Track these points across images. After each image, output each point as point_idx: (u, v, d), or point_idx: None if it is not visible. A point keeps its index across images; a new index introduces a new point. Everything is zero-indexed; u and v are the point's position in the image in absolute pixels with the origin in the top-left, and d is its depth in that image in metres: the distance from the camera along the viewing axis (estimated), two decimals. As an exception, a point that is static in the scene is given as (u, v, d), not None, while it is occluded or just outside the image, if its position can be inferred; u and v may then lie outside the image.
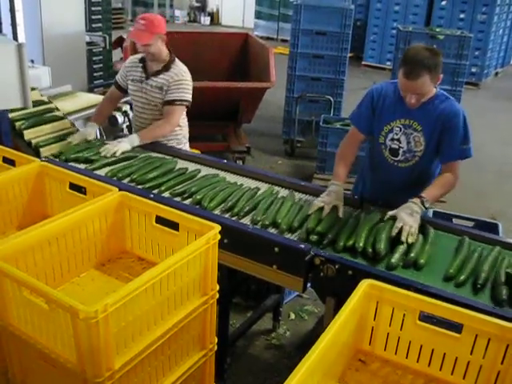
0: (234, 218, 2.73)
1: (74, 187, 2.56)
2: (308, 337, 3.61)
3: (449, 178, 2.83)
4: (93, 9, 7.83)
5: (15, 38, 5.63)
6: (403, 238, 2.48)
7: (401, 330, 1.92)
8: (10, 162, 2.79)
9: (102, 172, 3.12)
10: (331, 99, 6.65)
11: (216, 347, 2.32)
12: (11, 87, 3.26)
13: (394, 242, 2.50)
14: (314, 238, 2.54)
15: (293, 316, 3.84)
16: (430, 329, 1.85)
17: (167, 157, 3.42)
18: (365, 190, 3.17)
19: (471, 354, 1.81)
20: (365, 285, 1.89)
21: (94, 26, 7.90)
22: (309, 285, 2.55)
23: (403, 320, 1.90)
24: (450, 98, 2.83)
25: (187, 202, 2.86)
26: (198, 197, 2.83)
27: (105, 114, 3.98)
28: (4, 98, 3.28)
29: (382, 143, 2.95)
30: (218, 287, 2.21)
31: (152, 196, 2.77)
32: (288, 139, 7.04)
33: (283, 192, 3.07)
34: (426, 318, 1.87)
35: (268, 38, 13.74)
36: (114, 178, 3.03)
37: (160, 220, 2.29)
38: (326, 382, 1.77)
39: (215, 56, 7.44)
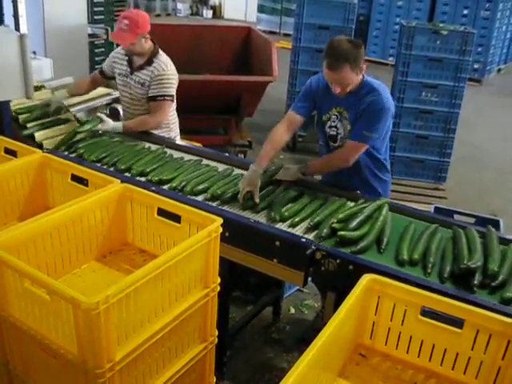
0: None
1: (76, 179, 2.55)
2: (308, 331, 3.61)
3: (337, 154, 3.03)
4: (95, 1, 7.79)
5: (17, 29, 5.62)
6: None
7: (402, 324, 1.91)
8: (12, 153, 2.78)
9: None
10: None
11: (216, 340, 2.32)
12: (13, 78, 3.24)
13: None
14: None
15: (293, 310, 3.85)
16: (431, 324, 1.85)
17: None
18: (327, 176, 3.30)
19: (472, 349, 1.81)
20: (366, 279, 1.89)
21: (96, 17, 7.88)
22: (309, 279, 2.55)
23: (404, 315, 1.90)
24: (377, 90, 2.89)
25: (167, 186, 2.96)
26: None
27: (82, 90, 3.99)
28: (6, 88, 3.27)
29: (322, 131, 3.13)
30: (219, 280, 2.21)
31: (154, 188, 2.76)
32: (289, 134, 7.02)
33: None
34: (427, 313, 1.86)
35: (270, 32, 13.70)
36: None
37: (162, 212, 2.29)
38: (326, 375, 1.77)
39: (217, 49, 7.42)
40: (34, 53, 5.34)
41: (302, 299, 3.96)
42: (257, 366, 3.30)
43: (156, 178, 2.98)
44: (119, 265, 2.36)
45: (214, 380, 2.42)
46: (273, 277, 2.67)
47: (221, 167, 3.24)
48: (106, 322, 1.68)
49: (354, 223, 2.54)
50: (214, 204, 2.82)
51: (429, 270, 2.35)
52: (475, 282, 2.23)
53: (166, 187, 2.93)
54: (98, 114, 3.54)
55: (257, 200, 2.79)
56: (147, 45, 3.54)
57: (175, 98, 3.68)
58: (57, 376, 1.91)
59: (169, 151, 3.39)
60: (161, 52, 3.62)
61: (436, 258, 2.42)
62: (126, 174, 3.04)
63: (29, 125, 3.54)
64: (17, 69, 3.24)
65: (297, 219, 2.68)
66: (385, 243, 2.51)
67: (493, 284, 2.24)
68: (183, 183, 2.94)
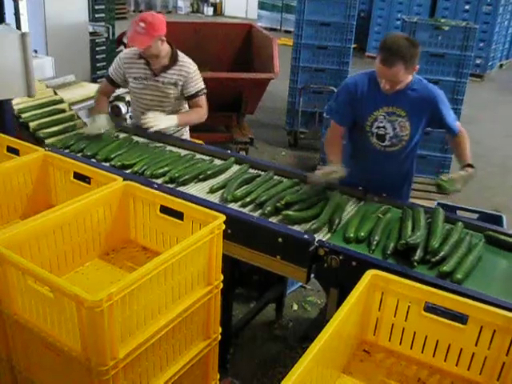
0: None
1: (79, 176, 2.55)
2: (311, 328, 3.61)
3: (465, 137, 3.05)
4: (96, -1, 7.81)
5: (18, 27, 5.62)
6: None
7: (405, 320, 1.91)
8: (15, 152, 2.78)
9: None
10: (335, 90, 6.61)
11: (220, 337, 2.32)
12: (15, 76, 3.25)
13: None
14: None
15: (296, 307, 3.85)
16: (434, 320, 1.85)
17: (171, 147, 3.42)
18: (352, 178, 3.12)
19: (476, 345, 1.81)
20: (370, 275, 1.89)
21: (97, 16, 7.88)
22: (312, 275, 2.55)
23: (408, 311, 1.89)
24: (423, 80, 2.96)
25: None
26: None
27: (103, 108, 3.81)
28: (8, 87, 3.27)
29: (368, 131, 3.01)
30: (222, 277, 2.21)
31: (156, 186, 2.77)
32: (291, 130, 7.03)
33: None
34: (431, 308, 1.86)
35: (271, 29, 13.68)
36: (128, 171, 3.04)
37: (164, 209, 2.29)
38: (330, 372, 1.77)
39: (218, 47, 7.41)
40: (36, 51, 5.34)
41: (304, 296, 3.96)
42: (260, 363, 3.30)
43: (119, 163, 3.09)
44: (122, 262, 2.36)
45: (218, 377, 2.42)
46: (276, 273, 2.67)
47: (184, 153, 3.33)
48: (110, 320, 1.68)
49: (304, 205, 2.69)
50: (174, 186, 2.91)
51: (373, 247, 2.46)
52: (415, 257, 2.35)
53: (128, 171, 3.04)
54: (150, 114, 3.48)
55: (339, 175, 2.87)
56: (164, 46, 3.51)
57: None
58: (60, 373, 1.91)
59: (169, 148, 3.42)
60: (179, 51, 3.63)
61: (382, 236, 2.53)
62: (124, 170, 3.06)
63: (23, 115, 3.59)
64: (18, 67, 3.24)
65: (248, 199, 2.78)
66: (336, 223, 2.61)
67: (432, 260, 2.35)
68: (144, 167, 3.04)
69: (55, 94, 4.04)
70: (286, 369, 1.44)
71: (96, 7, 7.85)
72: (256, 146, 6.51)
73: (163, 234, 2.37)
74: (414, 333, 1.92)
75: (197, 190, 2.93)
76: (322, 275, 2.52)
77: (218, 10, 17.19)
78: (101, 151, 3.21)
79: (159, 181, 2.96)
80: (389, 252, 2.40)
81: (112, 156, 3.17)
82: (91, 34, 7.52)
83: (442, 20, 6.36)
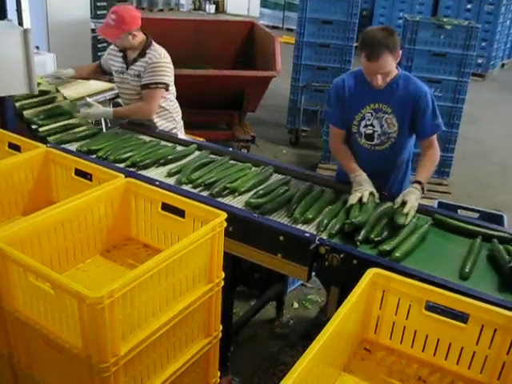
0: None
1: (80, 173, 2.55)
2: (311, 326, 3.62)
3: (433, 154, 2.98)
4: (97, -5, 7.80)
5: (20, 23, 5.62)
6: (407, 222, 2.56)
7: (406, 319, 1.91)
8: (16, 148, 2.78)
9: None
10: (337, 89, 6.61)
11: (221, 335, 2.32)
12: (17, 73, 3.25)
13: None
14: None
15: (296, 305, 3.85)
16: (435, 318, 1.85)
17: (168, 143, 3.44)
18: (346, 177, 3.09)
19: (477, 344, 1.81)
20: (371, 274, 1.89)
21: (99, 13, 7.86)
22: (313, 274, 2.55)
23: (409, 309, 1.90)
24: (413, 78, 2.93)
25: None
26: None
27: (84, 74, 4.01)
28: (10, 83, 3.27)
29: (355, 132, 3.00)
30: (223, 275, 2.21)
31: (157, 183, 2.77)
32: (293, 129, 7.02)
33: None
34: (432, 307, 1.87)
35: (273, 27, 13.67)
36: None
37: (166, 207, 2.29)
38: (331, 370, 1.77)
39: (220, 44, 7.40)
40: (37, 47, 5.33)
41: (305, 294, 3.96)
42: (260, 361, 3.30)
43: (85, 148, 3.20)
44: (123, 259, 2.36)
45: (218, 374, 2.42)
46: (276, 271, 2.67)
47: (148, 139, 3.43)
48: (111, 317, 1.68)
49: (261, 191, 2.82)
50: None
51: (322, 229, 2.55)
52: (359, 237, 2.44)
53: (93, 156, 3.15)
54: (87, 99, 3.55)
55: (364, 200, 2.71)
56: (136, 40, 3.52)
57: (172, 87, 3.67)
58: (61, 370, 1.91)
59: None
60: (154, 43, 3.61)
61: (329, 217, 2.63)
62: (119, 165, 3.07)
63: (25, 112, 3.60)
64: (20, 64, 3.24)
65: (199, 181, 2.90)
66: (293, 208, 2.69)
67: (375, 239, 2.46)
68: (108, 152, 3.14)
69: (57, 90, 4.04)
70: (286, 367, 1.45)
71: (98, 4, 7.83)
72: (257, 144, 6.50)
73: (164, 232, 2.37)
74: (415, 331, 1.92)
75: (156, 173, 3.04)
76: (323, 273, 2.52)
77: (219, 8, 17.16)
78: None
79: (122, 165, 3.07)
80: (334, 232, 2.50)
81: (82, 143, 3.29)
82: (93, 30, 7.50)
83: (445, 19, 6.34)
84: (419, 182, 2.77)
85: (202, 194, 2.82)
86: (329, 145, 3.23)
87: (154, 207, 2.34)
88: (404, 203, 2.63)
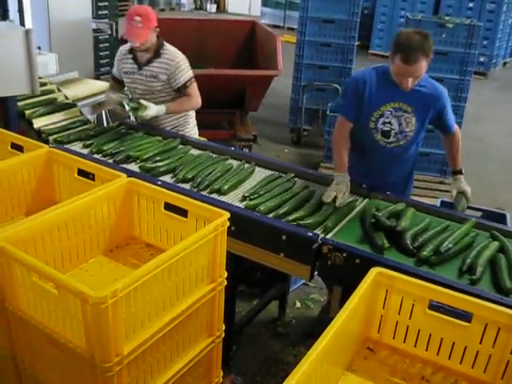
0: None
1: (83, 173, 2.55)
2: (313, 325, 3.61)
3: (459, 140, 3.14)
4: (99, -5, 7.81)
5: (22, 24, 5.60)
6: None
7: (410, 318, 1.91)
8: (19, 148, 2.78)
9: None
10: (338, 88, 6.60)
11: (223, 334, 2.32)
12: (19, 73, 3.25)
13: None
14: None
15: (298, 304, 3.85)
16: (439, 318, 1.85)
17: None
18: (355, 176, 3.07)
19: (480, 343, 1.81)
20: (374, 273, 1.88)
21: (100, 13, 7.89)
22: (316, 273, 2.55)
23: (412, 308, 1.89)
24: (430, 79, 2.98)
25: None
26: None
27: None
28: (12, 84, 3.27)
29: (372, 128, 2.99)
30: (226, 274, 2.21)
31: (160, 183, 2.77)
32: (294, 128, 7.02)
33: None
34: (435, 306, 1.86)
35: (275, 26, 13.64)
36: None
37: (168, 206, 2.28)
38: (334, 370, 1.77)
39: (222, 44, 7.41)
40: (39, 48, 5.34)
41: (307, 293, 3.96)
42: (263, 360, 3.30)
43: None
44: (126, 259, 2.36)
45: (221, 374, 2.42)
46: (279, 271, 2.67)
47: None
48: (114, 316, 1.68)
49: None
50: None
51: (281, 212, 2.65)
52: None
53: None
54: (142, 101, 3.49)
55: (337, 204, 2.75)
56: (154, 37, 3.54)
57: None
58: (65, 370, 1.91)
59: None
60: (165, 43, 3.63)
61: (290, 205, 2.72)
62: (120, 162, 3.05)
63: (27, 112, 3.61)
64: (22, 64, 3.24)
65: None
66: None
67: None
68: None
69: (58, 90, 4.04)
70: (288, 366, 1.45)
71: (99, 4, 7.85)
72: (259, 143, 6.50)
73: (167, 231, 2.37)
74: (419, 331, 1.92)
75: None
76: (326, 273, 2.52)
77: (221, 7, 17.15)
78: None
79: (99, 156, 3.15)
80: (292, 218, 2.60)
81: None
82: (94, 30, 7.53)
83: (446, 17, 6.34)
84: (460, 172, 3.08)
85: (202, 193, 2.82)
86: (331, 136, 3.22)
87: (156, 207, 2.34)
88: (462, 193, 3.00)
